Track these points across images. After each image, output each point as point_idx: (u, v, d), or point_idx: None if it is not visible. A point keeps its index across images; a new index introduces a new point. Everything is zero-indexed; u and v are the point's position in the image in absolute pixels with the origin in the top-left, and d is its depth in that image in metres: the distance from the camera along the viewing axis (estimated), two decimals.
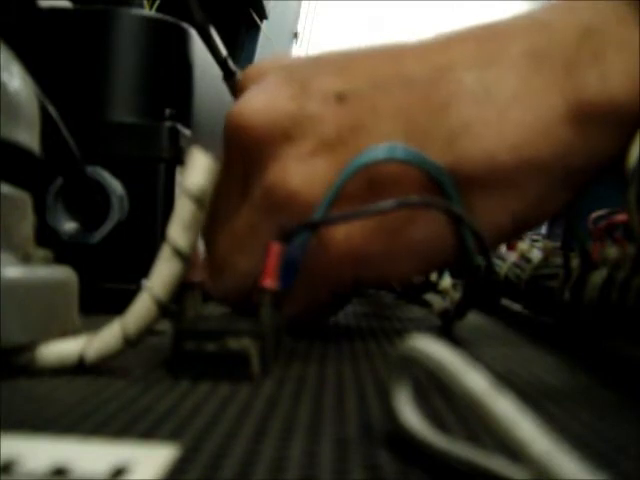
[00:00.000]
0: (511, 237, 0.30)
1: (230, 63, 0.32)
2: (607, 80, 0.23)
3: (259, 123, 0.25)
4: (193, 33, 0.38)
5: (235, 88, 0.28)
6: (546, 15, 0.25)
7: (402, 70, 0.25)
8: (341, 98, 0.25)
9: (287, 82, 0.26)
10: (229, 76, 0.32)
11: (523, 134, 0.24)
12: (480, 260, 0.26)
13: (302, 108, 0.25)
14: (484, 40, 0.25)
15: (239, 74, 0.31)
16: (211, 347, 0.18)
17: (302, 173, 0.24)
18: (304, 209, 0.24)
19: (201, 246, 0.34)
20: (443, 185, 0.24)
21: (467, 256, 0.25)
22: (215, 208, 0.28)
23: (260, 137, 0.25)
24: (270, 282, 0.20)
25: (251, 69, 0.29)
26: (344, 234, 0.25)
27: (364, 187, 0.24)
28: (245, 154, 0.26)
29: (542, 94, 0.24)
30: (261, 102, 0.25)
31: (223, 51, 0.32)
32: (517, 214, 0.25)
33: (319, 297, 0.27)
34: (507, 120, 0.24)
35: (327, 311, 0.29)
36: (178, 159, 0.34)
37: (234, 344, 0.18)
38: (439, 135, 0.24)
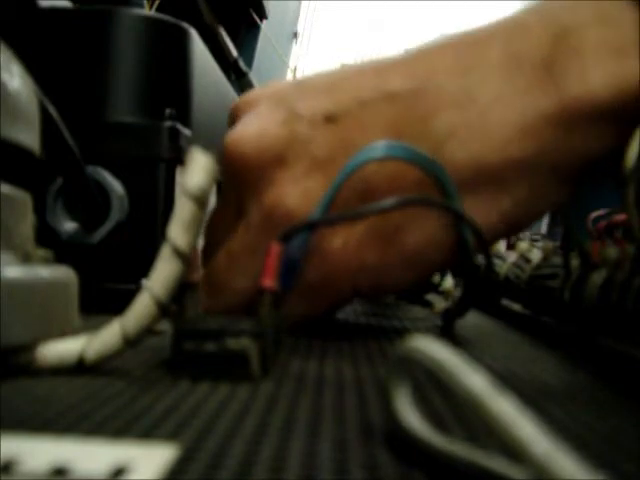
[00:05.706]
0: (505, 236, 0.32)
1: (241, 64, 0.32)
2: (587, 78, 0.23)
3: (253, 150, 0.26)
4: (193, 33, 0.38)
5: (229, 117, 0.29)
6: (524, 17, 0.26)
7: (386, 86, 0.26)
8: (329, 119, 0.26)
9: (277, 108, 0.26)
10: (240, 76, 0.32)
11: (506, 133, 0.24)
12: (480, 260, 0.26)
13: (293, 132, 0.26)
14: (462, 48, 0.26)
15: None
16: (211, 347, 0.18)
17: (298, 193, 0.25)
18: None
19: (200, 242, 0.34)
20: (443, 183, 0.24)
21: (467, 254, 0.25)
22: (212, 230, 0.29)
23: (255, 163, 0.26)
24: (270, 282, 0.20)
25: (243, 99, 0.29)
26: (341, 243, 0.25)
27: (356, 196, 0.25)
28: (241, 180, 0.27)
29: (523, 93, 0.24)
30: (253, 130, 0.26)
31: (233, 52, 0.32)
32: (507, 214, 0.25)
33: (319, 308, 0.27)
34: (490, 121, 0.24)
35: (327, 315, 0.30)
36: (178, 159, 0.34)
37: (234, 344, 0.18)
38: (426, 144, 0.24)
